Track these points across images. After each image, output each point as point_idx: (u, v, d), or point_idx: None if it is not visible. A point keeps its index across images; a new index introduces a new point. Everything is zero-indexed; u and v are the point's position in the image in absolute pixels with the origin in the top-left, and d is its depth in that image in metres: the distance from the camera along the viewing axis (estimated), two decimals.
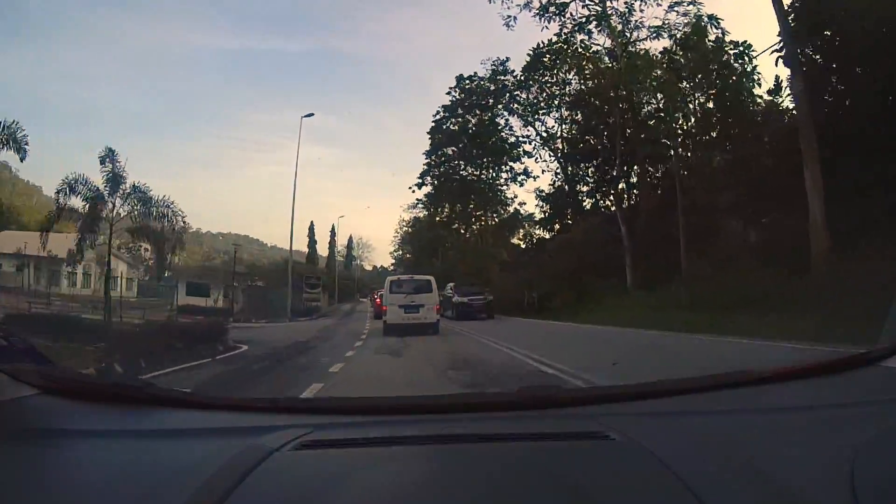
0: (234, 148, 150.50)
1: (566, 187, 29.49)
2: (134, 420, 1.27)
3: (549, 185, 31.73)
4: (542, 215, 30.29)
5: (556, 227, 29.45)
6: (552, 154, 32.00)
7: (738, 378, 1.52)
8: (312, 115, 29.24)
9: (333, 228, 77.72)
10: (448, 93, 36.89)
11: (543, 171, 50.86)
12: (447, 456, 1.12)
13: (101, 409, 1.29)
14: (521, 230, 44.71)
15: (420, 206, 42.39)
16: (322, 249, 78.51)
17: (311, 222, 77.22)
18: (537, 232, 34.30)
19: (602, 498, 0.90)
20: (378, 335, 13.91)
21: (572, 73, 31.68)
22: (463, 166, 39.76)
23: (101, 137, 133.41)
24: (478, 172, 39.64)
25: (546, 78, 32.55)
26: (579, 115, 29.01)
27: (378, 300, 19.18)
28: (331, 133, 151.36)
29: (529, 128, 34.28)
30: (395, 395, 2.50)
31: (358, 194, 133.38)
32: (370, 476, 0.99)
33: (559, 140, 32.20)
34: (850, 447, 0.96)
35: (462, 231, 48.79)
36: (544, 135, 32.84)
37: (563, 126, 31.99)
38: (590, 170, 28.39)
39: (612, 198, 26.41)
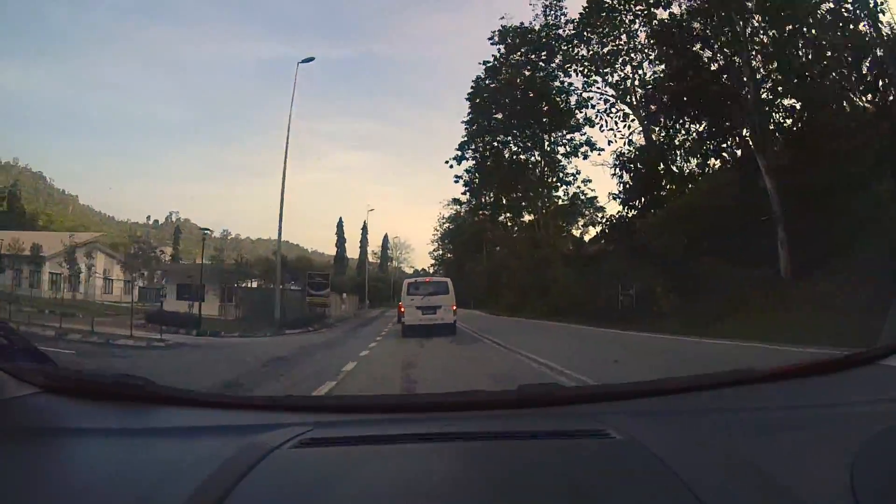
0: (279, 154, 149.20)
1: (656, 145, 21.95)
2: (135, 418, 1.25)
3: (626, 150, 24.27)
4: (622, 187, 22.60)
5: (643, 200, 21.64)
6: (631, 111, 24.66)
7: (739, 377, 1.51)
8: (312, 59, 22.93)
9: (365, 225, 71.48)
10: (490, 38, 29.55)
11: (610, 142, 43.05)
12: (448, 454, 1.10)
13: (103, 407, 1.27)
14: (582, 218, 37.15)
15: (460, 183, 34.60)
16: (353, 252, 72.71)
17: (340, 218, 70.97)
18: (617, 211, 26.28)
19: (602, 496, 0.89)
20: (371, 368, 7.60)
21: (639, 21, 24.92)
22: (511, 141, 32.35)
23: (145, 147, 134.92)
24: (530, 144, 32.23)
25: (606, 29, 25.66)
26: (671, 51, 21.27)
27: (401, 305, 17.23)
28: (372, 138, 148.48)
29: (594, 86, 27.13)
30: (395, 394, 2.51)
31: (397, 197, 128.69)
32: (370, 474, 0.98)
33: (635, 93, 24.98)
34: (850, 447, 0.94)
35: (510, 224, 41.57)
36: (619, 89, 25.60)
37: (640, 73, 24.75)
38: (692, 117, 20.53)
39: (731, 150, 18.66)
